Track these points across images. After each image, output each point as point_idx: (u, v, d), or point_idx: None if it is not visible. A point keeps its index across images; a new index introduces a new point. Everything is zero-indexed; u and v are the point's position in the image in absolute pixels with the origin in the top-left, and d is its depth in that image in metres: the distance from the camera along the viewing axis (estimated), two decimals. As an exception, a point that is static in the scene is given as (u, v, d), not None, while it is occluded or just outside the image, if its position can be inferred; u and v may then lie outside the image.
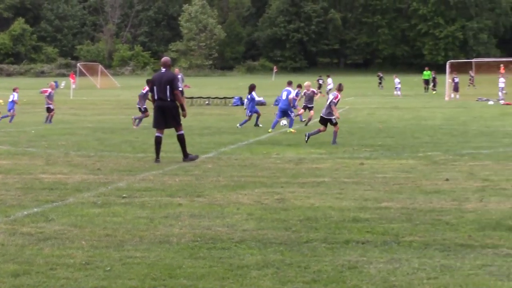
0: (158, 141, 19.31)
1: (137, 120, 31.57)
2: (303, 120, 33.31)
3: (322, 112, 24.75)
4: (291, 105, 30.01)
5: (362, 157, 20.29)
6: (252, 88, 31.80)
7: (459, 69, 73.60)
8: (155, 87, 19.19)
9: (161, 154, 19.44)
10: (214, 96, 52.57)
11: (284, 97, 30.04)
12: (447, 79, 61.93)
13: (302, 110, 32.77)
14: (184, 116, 19.55)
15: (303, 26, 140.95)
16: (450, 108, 45.42)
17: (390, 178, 16.14)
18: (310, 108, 32.89)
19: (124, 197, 13.71)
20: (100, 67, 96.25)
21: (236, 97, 51.39)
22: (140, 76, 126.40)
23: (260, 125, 31.19)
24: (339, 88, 25.02)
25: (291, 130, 29.05)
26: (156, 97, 19.23)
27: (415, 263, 9.14)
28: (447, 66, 64.19)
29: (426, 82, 71.84)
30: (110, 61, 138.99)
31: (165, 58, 19.86)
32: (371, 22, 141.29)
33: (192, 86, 77.86)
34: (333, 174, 16.93)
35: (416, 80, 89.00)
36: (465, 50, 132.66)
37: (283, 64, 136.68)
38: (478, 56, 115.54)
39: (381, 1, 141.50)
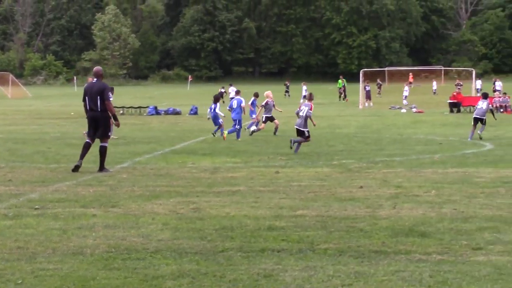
0: (86, 146, 19.11)
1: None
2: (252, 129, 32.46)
3: (296, 123, 24.86)
4: (244, 113, 29.98)
5: (277, 165, 20.39)
6: (217, 99, 31.38)
7: (372, 77, 74.80)
8: (87, 98, 19.03)
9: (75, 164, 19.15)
10: (128, 106, 52.12)
11: (235, 105, 30.11)
12: (361, 87, 62.77)
13: (263, 125, 32.08)
14: (118, 125, 19.35)
15: (218, 35, 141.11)
16: (364, 116, 46.00)
17: (305, 186, 16.24)
18: (272, 119, 32.15)
19: (36, 209, 13.45)
20: (11, 76, 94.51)
21: (151, 107, 51.07)
22: (52, 86, 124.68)
23: (213, 135, 30.55)
24: (310, 98, 25.51)
25: (224, 134, 29.11)
26: (88, 108, 19.07)
27: (330, 270, 9.20)
28: (361, 74, 65.07)
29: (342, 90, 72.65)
30: (22, 71, 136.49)
31: (96, 68, 19.76)
32: (286, 31, 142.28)
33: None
34: (249, 182, 16.95)
35: (331, 88, 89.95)
36: (378, 59, 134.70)
37: (198, 73, 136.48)
38: (390, 64, 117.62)
39: (295, 11, 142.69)
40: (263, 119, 31.94)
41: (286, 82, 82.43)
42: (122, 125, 22.49)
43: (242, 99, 30.54)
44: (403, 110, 52.67)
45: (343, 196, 14.79)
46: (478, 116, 29.31)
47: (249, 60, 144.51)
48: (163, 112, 50.04)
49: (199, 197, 14.82)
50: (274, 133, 31.64)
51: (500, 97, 51.31)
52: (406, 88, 63.65)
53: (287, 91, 77.86)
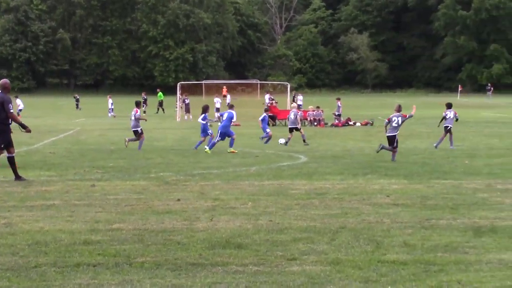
0: (10, 161, 19.49)
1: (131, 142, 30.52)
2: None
3: (388, 132, 26.13)
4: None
5: (93, 178, 20.05)
6: (204, 109, 31.37)
7: (189, 90, 75.16)
8: None
9: None
10: None
11: (224, 117, 30.36)
12: (178, 100, 62.90)
13: (290, 135, 33.75)
14: (29, 132, 19.95)
15: (31, 45, 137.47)
16: (182, 129, 46.09)
17: (122, 200, 16.06)
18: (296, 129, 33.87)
19: None
20: None
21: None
22: None
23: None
24: (399, 109, 26.42)
25: (232, 150, 29.23)
26: None
27: (147, 284, 9.12)
28: (178, 87, 65.26)
29: (160, 103, 72.41)
30: None
31: (2, 81, 19.77)
32: (101, 42, 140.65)
33: None
34: (64, 196, 16.58)
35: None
36: (195, 72, 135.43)
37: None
38: (207, 78, 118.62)
39: (111, 22, 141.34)
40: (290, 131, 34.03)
41: (76, 95, 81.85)
42: None
43: (234, 113, 30.88)
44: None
45: (160, 209, 14.71)
46: (449, 125, 31.19)
47: (64, 71, 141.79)
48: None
49: (11, 211, 14.35)
50: (304, 141, 33.35)
51: (314, 110, 52.73)
52: (216, 100, 64.21)
53: (77, 105, 76.98)
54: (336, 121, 51.54)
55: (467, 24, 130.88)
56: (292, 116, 34.51)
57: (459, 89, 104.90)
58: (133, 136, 30.84)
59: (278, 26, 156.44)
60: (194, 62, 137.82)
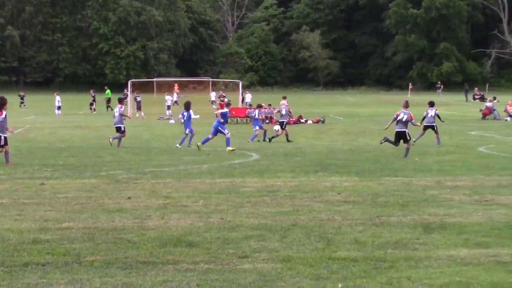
0: None
1: (115, 140, 30.31)
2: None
3: (397, 127, 26.23)
4: (221, 121, 30.19)
5: (43, 177, 19.84)
6: (188, 105, 31.33)
7: (140, 88, 74.74)
8: None
9: None
10: None
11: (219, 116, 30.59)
12: (130, 98, 62.54)
13: (281, 131, 34.48)
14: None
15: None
16: (133, 127, 45.76)
17: (72, 198, 15.92)
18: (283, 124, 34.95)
19: None
20: None
21: None
22: None
23: (191, 146, 30.64)
24: (407, 105, 26.59)
25: (229, 148, 28.91)
26: None
27: (97, 283, 9.05)
28: (129, 85, 64.88)
29: (108, 101, 71.85)
30: None
31: None
32: (51, 40, 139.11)
33: None
34: (12, 195, 16.38)
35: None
36: (147, 69, 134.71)
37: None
38: (159, 75, 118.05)
39: (61, 19, 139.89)
40: (281, 125, 35.02)
41: (21, 93, 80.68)
42: None
43: (227, 110, 31.70)
44: (172, 121, 52.91)
45: (110, 208, 14.61)
46: (428, 124, 31.43)
47: (13, 69, 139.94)
48: None
49: (-41, 211, 14.15)
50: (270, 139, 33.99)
51: (265, 108, 52.70)
52: (168, 97, 64.00)
53: (22, 102, 75.92)
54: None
55: (418, 23, 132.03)
56: (283, 112, 35.56)
57: (410, 87, 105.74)
58: (116, 134, 30.58)
59: (230, 23, 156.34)
60: (145, 59, 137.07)
